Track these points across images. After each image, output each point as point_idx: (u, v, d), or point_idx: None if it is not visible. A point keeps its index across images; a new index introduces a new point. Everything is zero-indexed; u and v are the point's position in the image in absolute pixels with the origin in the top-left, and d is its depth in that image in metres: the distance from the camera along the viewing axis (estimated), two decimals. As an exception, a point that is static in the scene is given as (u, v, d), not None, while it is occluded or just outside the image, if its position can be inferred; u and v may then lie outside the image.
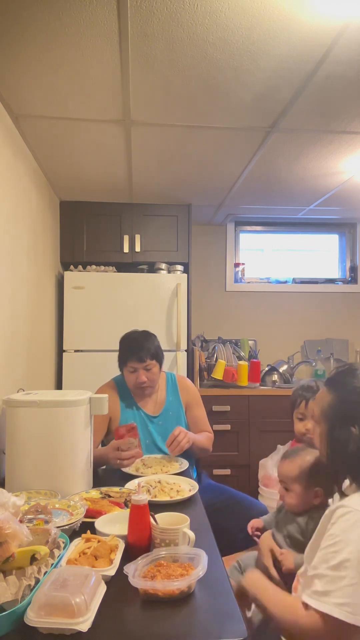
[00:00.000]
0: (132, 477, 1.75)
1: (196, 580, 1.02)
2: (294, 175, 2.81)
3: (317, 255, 4.27)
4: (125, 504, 1.47)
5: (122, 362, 2.12)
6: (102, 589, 0.97)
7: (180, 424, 2.15)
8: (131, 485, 1.64)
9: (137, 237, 3.35)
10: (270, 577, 1.28)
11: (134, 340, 2.13)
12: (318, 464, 1.36)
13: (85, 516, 1.34)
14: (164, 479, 1.68)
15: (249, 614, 1.28)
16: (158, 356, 2.12)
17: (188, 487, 1.62)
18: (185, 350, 3.23)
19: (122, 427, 1.86)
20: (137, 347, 2.07)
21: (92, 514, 1.38)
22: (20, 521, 1.15)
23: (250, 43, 1.57)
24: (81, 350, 3.15)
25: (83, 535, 1.20)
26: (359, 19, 1.45)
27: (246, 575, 1.22)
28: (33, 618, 0.86)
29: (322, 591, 0.94)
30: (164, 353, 3.16)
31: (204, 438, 2.13)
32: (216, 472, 3.17)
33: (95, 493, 1.58)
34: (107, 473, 1.91)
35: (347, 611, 0.90)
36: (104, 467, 1.92)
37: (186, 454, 2.00)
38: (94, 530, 1.26)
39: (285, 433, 2.22)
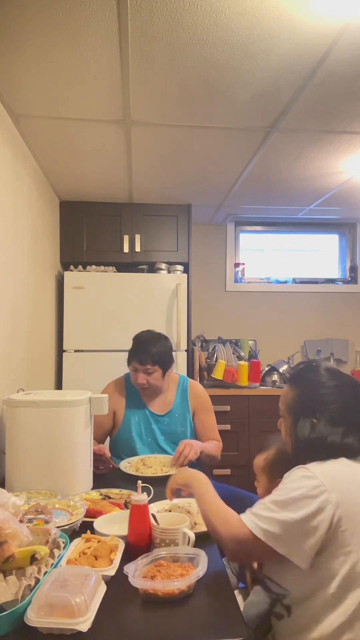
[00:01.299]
0: (132, 477, 1.75)
1: (196, 580, 1.02)
2: (294, 175, 2.81)
3: (317, 255, 4.27)
4: (125, 505, 1.47)
5: (128, 359, 2.12)
6: (102, 589, 0.98)
7: (185, 427, 2.15)
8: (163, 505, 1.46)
9: (137, 237, 3.35)
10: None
11: (141, 341, 2.11)
12: (281, 456, 1.38)
13: (85, 516, 1.34)
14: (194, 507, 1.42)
15: None
16: (162, 362, 2.08)
17: None
18: (185, 350, 3.23)
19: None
20: (141, 350, 2.06)
21: (92, 514, 1.38)
22: (20, 521, 1.15)
23: (250, 43, 1.57)
24: (81, 350, 3.15)
25: (83, 535, 1.20)
26: (359, 19, 1.46)
27: (191, 474, 1.31)
28: (33, 618, 0.86)
29: (255, 512, 1.08)
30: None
31: (213, 446, 2.11)
32: (216, 472, 3.17)
33: (95, 494, 1.59)
34: (109, 474, 1.92)
35: (267, 536, 1.02)
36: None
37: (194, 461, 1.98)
38: (94, 531, 1.26)
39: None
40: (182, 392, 2.21)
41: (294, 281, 4.15)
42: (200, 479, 1.28)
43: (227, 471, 3.23)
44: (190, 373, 3.30)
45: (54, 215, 3.14)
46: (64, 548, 1.13)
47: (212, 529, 1.15)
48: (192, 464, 1.96)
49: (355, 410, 1.19)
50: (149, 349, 2.05)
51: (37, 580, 0.97)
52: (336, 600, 1.02)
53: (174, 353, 3.21)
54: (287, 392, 1.28)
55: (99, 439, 2.11)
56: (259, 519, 1.06)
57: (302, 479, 1.07)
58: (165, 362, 2.10)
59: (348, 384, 1.23)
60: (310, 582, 1.05)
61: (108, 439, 2.22)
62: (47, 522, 1.23)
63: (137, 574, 1.03)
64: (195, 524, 1.36)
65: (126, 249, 3.33)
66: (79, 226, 3.33)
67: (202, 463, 2.11)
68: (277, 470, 1.39)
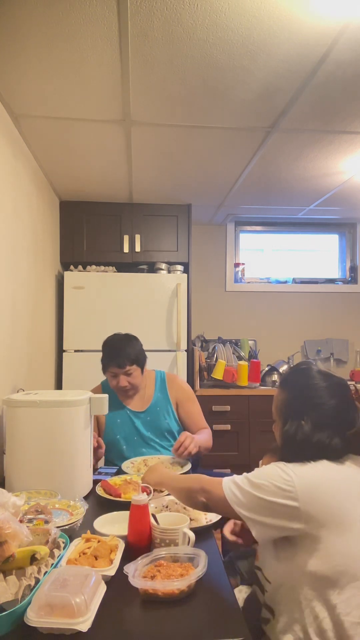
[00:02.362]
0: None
1: (196, 580, 1.02)
2: (294, 175, 2.81)
3: (317, 255, 4.27)
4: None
5: (104, 367, 2.12)
6: (102, 589, 0.97)
7: (170, 419, 2.16)
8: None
9: (137, 237, 3.35)
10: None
11: (114, 346, 2.11)
12: None
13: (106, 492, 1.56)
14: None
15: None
16: (139, 361, 2.10)
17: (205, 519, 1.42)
18: (185, 350, 3.23)
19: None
20: (117, 354, 2.06)
21: (110, 490, 1.56)
22: (20, 521, 1.15)
23: (250, 43, 1.57)
24: (81, 350, 3.15)
25: (83, 535, 1.20)
26: (359, 19, 1.46)
27: (160, 475, 1.46)
28: (33, 618, 0.86)
29: (232, 479, 1.18)
30: (164, 353, 3.16)
31: (207, 437, 2.13)
32: (216, 472, 3.17)
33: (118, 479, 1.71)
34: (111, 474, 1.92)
35: (232, 500, 1.13)
36: None
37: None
38: (94, 530, 1.26)
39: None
40: (161, 386, 2.23)
41: (294, 281, 4.15)
42: (168, 475, 1.44)
43: (227, 471, 3.23)
44: (190, 373, 3.30)
45: (54, 215, 3.14)
46: (64, 548, 1.13)
47: (188, 489, 1.26)
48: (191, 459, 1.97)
49: (343, 411, 1.18)
50: (125, 351, 2.06)
51: (37, 580, 0.97)
52: (308, 602, 1.03)
53: (173, 353, 3.23)
54: (278, 395, 1.28)
55: None
56: (234, 484, 1.16)
57: (279, 478, 1.09)
58: (141, 360, 2.13)
59: (337, 385, 1.22)
60: (283, 573, 1.08)
61: None
62: (47, 522, 1.23)
63: (137, 574, 1.03)
64: (191, 519, 1.36)
65: (126, 249, 3.33)
66: (79, 226, 3.33)
67: (199, 456, 2.12)
68: None
